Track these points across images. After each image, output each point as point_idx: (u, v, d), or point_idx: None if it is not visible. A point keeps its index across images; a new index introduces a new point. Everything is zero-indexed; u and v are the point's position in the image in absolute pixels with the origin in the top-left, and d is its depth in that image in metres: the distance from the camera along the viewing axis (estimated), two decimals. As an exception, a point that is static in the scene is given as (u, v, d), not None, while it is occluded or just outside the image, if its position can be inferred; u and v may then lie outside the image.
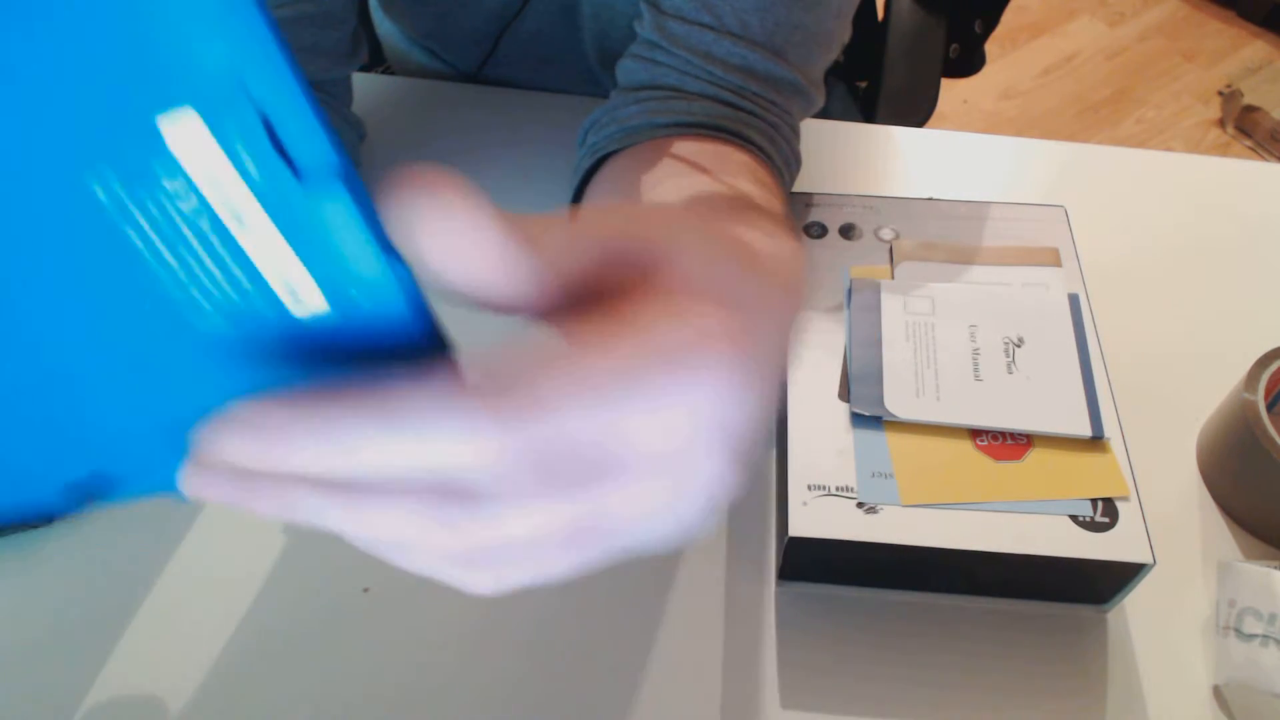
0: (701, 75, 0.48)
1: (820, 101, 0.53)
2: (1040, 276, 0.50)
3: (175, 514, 0.47)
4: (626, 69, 0.50)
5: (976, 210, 0.54)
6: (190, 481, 0.18)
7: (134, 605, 0.44)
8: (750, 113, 0.48)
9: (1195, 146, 1.77)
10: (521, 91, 0.66)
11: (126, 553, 0.46)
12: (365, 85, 0.60)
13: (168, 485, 0.17)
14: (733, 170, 0.44)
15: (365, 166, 0.61)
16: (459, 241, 0.18)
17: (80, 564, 0.45)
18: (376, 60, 0.84)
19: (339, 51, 0.54)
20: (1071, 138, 1.66)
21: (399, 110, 0.65)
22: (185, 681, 0.42)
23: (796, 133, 0.52)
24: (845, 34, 0.54)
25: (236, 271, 0.14)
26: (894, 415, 0.45)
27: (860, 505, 0.42)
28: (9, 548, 0.46)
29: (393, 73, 0.80)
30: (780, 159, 0.49)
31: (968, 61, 0.85)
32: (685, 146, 0.46)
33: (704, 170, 0.44)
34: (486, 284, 0.18)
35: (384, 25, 0.77)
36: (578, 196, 0.51)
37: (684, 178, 0.43)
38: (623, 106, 0.49)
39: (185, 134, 0.11)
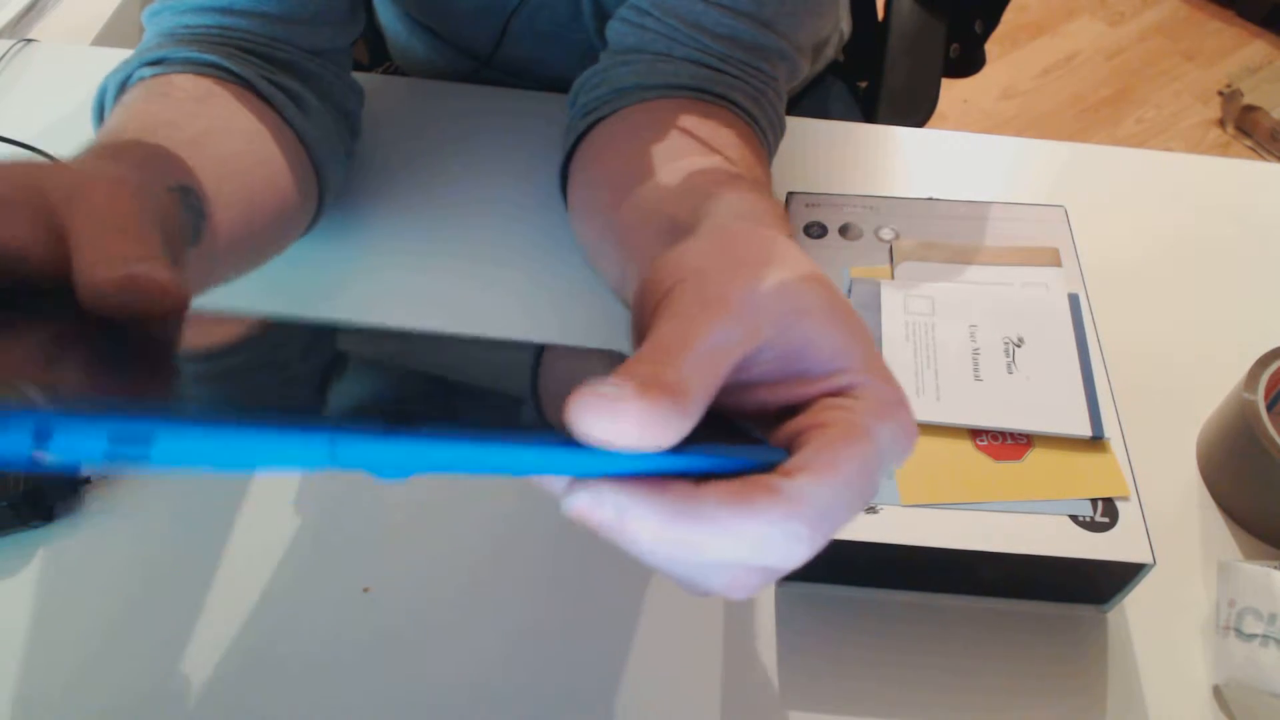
0: (689, 43, 0.50)
1: (807, 68, 0.55)
2: (1040, 276, 0.50)
3: (173, 514, 0.47)
4: (616, 31, 0.52)
5: (976, 210, 0.54)
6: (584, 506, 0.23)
7: (133, 605, 0.44)
8: (736, 78, 0.50)
9: (1195, 146, 1.77)
10: (521, 91, 0.66)
11: (126, 553, 0.46)
12: (366, 85, 0.60)
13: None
14: (722, 139, 0.46)
15: (366, 167, 0.61)
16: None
17: (80, 564, 0.45)
18: (379, 59, 0.83)
19: (337, 20, 0.55)
20: (1071, 138, 1.66)
21: (399, 110, 0.65)
22: (185, 681, 0.42)
23: (782, 98, 0.53)
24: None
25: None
26: (894, 415, 0.44)
27: (860, 505, 0.42)
28: (9, 548, 0.46)
29: (396, 71, 0.80)
30: (765, 122, 0.51)
31: (968, 61, 0.85)
32: (681, 116, 0.48)
33: (700, 141, 0.46)
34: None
35: (385, 13, 0.77)
36: (569, 156, 0.53)
37: (687, 158, 0.44)
38: (613, 68, 0.51)
39: None
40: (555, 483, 0.25)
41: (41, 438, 0.17)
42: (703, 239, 0.28)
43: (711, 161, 0.44)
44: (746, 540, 0.22)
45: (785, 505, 0.23)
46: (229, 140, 0.46)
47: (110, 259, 0.25)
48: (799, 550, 0.23)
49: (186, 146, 0.42)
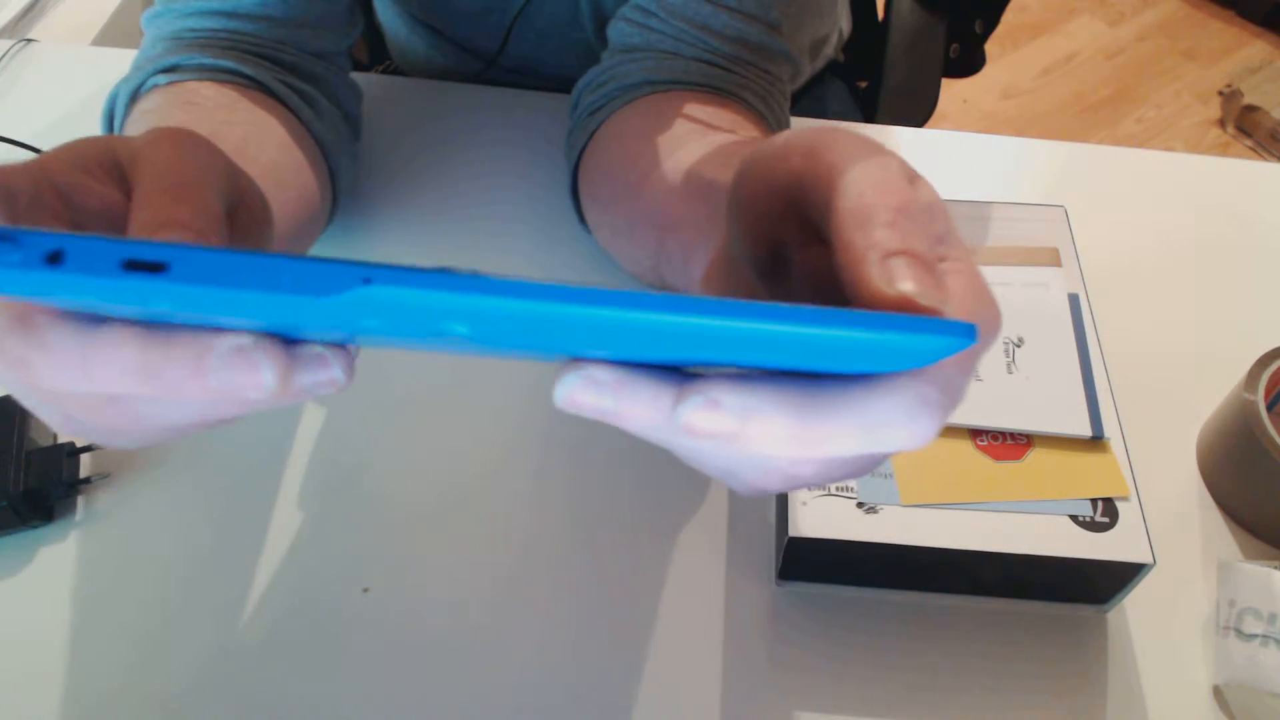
0: (696, 44, 0.49)
1: (807, 70, 0.54)
2: (1040, 276, 0.50)
3: (172, 515, 0.47)
4: (620, 30, 0.52)
5: (976, 210, 0.53)
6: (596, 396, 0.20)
7: (131, 605, 0.44)
8: (744, 77, 0.50)
9: (1195, 146, 1.77)
10: (522, 91, 0.66)
11: (124, 553, 0.46)
12: (366, 85, 0.59)
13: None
14: (744, 130, 0.46)
15: (366, 167, 0.61)
16: None
17: (79, 564, 0.45)
18: (379, 58, 0.83)
19: (338, 24, 0.55)
20: (1071, 138, 1.66)
21: (400, 111, 0.64)
22: (184, 681, 0.42)
23: (787, 99, 0.53)
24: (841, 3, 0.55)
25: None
26: (894, 415, 0.44)
27: (860, 505, 0.42)
28: (8, 548, 0.46)
29: (395, 70, 0.80)
30: (774, 121, 0.50)
31: (968, 61, 0.85)
32: (691, 106, 0.47)
33: (717, 128, 0.45)
34: None
35: (385, 12, 0.76)
36: (579, 158, 0.52)
37: (717, 134, 0.44)
38: (619, 66, 0.51)
39: None
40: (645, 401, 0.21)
41: (54, 259, 0.17)
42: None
43: (743, 137, 0.43)
44: (877, 426, 0.20)
45: (922, 380, 0.20)
46: (267, 150, 0.46)
47: (146, 223, 0.25)
48: (929, 429, 0.20)
49: (236, 157, 0.42)
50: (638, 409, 0.20)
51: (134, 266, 0.17)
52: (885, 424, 0.20)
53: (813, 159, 0.25)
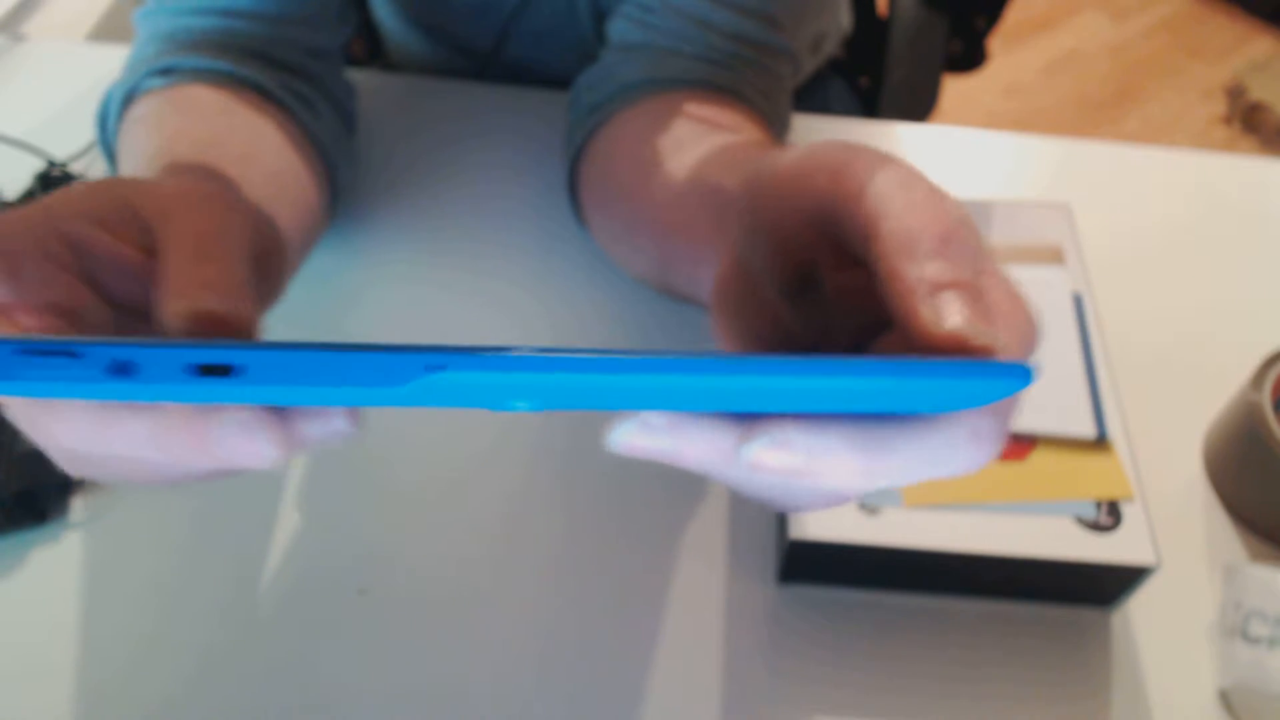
0: (697, 40, 0.49)
1: (808, 66, 0.54)
2: (1044, 275, 0.50)
3: (165, 517, 0.47)
4: (619, 29, 0.51)
5: (979, 208, 0.53)
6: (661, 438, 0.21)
7: (126, 607, 0.44)
8: (745, 75, 0.49)
9: (1201, 144, 1.76)
10: (522, 89, 0.65)
11: (117, 555, 0.45)
12: (364, 83, 0.59)
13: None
14: (746, 129, 0.45)
15: (364, 165, 0.61)
16: None
17: (72, 566, 0.45)
18: (376, 54, 0.83)
19: (331, 20, 0.54)
20: (1074, 135, 1.66)
21: (398, 108, 0.64)
22: (181, 682, 0.42)
23: (788, 95, 0.53)
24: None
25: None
26: (895, 415, 0.44)
27: (862, 507, 0.42)
28: (8, 548, 0.45)
29: (392, 64, 0.80)
30: (775, 119, 0.50)
31: (970, 57, 0.85)
32: (693, 106, 0.46)
33: (719, 127, 0.45)
34: None
35: (381, 10, 0.76)
36: (577, 157, 0.52)
37: (719, 136, 0.43)
38: (618, 64, 0.50)
39: None
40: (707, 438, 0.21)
41: (121, 370, 0.18)
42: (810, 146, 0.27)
43: (745, 138, 0.43)
44: (939, 459, 0.21)
45: (977, 411, 0.21)
46: (268, 156, 0.45)
47: (183, 291, 0.25)
48: (987, 455, 0.21)
49: (237, 165, 0.42)
50: (697, 449, 0.21)
51: (206, 371, 0.18)
52: (947, 457, 0.21)
53: (839, 180, 0.25)
